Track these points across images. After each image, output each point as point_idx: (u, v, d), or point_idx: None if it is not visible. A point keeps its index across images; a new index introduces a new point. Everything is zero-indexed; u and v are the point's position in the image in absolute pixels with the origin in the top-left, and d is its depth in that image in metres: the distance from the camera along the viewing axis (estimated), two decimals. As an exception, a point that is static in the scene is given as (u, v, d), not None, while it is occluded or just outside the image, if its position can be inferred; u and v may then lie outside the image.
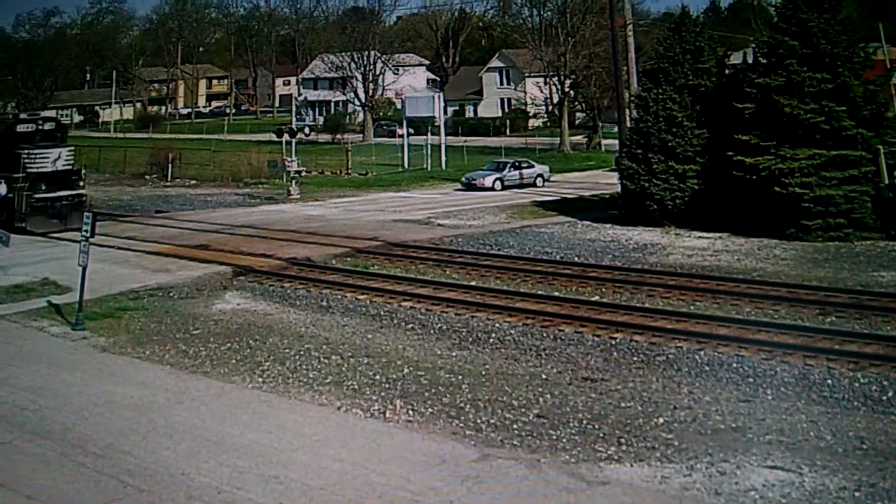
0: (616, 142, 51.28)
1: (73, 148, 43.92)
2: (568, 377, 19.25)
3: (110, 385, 18.82)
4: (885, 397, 17.38)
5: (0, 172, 39.22)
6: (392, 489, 13.56)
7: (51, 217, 39.09)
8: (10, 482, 13.97)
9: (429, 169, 72.06)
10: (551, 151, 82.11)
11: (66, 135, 45.99)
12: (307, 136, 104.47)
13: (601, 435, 15.74)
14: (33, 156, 40.18)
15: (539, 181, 59.61)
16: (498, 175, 58.87)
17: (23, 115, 47.97)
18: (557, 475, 14.06)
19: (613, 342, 21.34)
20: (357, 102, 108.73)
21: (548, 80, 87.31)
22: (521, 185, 58.37)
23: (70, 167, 41.58)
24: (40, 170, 39.86)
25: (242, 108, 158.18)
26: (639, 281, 27.81)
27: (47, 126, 42.59)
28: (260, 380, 19.18)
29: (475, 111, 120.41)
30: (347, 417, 16.92)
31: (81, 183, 41.46)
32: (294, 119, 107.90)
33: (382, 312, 25.04)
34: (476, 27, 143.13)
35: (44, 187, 39.28)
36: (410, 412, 17.04)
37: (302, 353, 21.08)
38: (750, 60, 39.85)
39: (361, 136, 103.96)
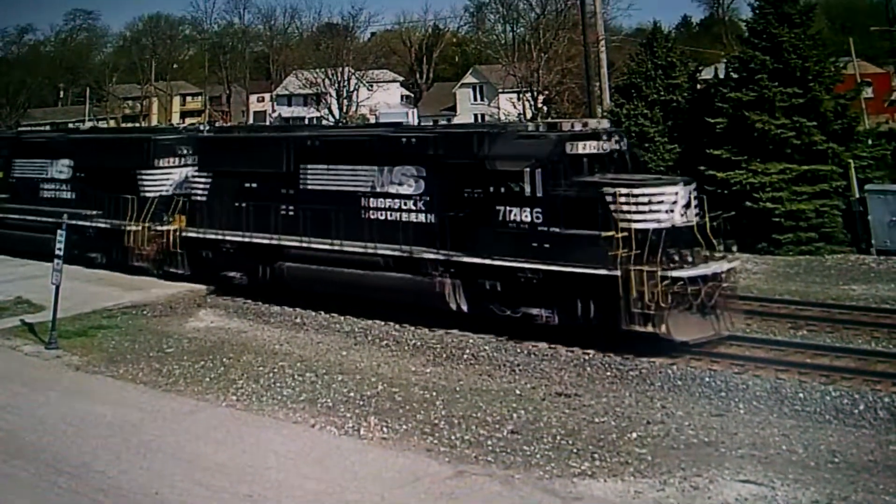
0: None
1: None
2: (542, 393, 19.31)
3: (84, 404, 18.75)
4: (856, 410, 17.52)
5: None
6: (366, 507, 13.58)
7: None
8: (-19, 503, 13.91)
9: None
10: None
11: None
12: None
13: (575, 450, 15.79)
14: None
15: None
16: None
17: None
18: (531, 491, 14.11)
19: (587, 357, 21.40)
20: (331, 119, 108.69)
21: (521, 95, 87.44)
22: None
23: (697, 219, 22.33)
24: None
25: (216, 124, 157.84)
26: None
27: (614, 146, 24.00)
28: (234, 398, 19.15)
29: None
30: (322, 435, 16.92)
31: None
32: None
33: (357, 329, 25.07)
34: (450, 43, 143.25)
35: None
36: (385, 429, 17.05)
37: (276, 370, 21.06)
38: (721, 75, 40.08)
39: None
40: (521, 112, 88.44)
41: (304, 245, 27.14)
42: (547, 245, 22.18)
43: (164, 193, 32.51)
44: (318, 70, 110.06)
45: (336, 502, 13.78)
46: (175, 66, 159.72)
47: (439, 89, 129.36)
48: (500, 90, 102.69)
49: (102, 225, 33.64)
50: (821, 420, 17.30)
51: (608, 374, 20.47)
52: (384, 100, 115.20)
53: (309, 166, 27.69)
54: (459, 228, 23.92)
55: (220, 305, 28.54)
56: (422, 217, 24.90)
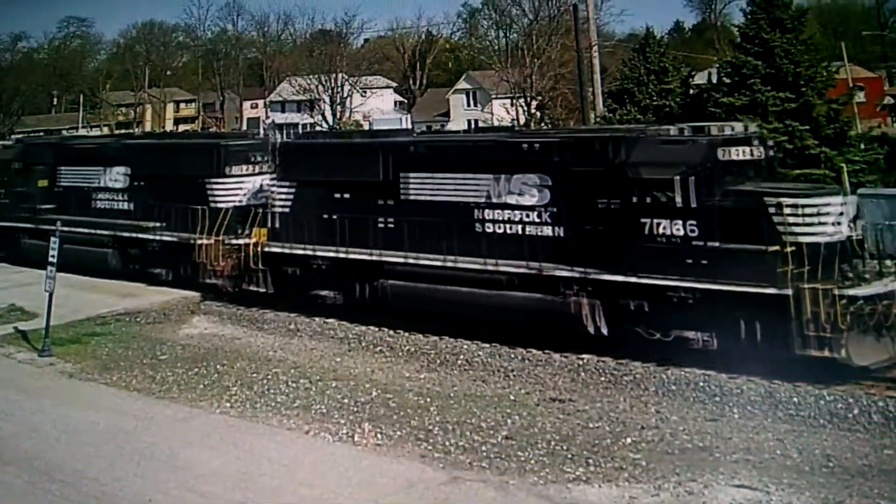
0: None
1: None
2: (536, 398, 19.31)
3: (77, 411, 18.70)
4: (850, 415, 17.52)
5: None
6: (361, 513, 13.56)
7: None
8: (-26, 511, 13.87)
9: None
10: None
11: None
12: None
13: (569, 456, 15.78)
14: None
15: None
16: None
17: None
18: (526, 497, 14.09)
19: (581, 362, 21.39)
20: (325, 125, 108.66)
21: (514, 101, 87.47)
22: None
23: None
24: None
25: (210, 131, 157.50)
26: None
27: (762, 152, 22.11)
28: (228, 405, 19.11)
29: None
30: (316, 441, 16.88)
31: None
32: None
33: (350, 335, 25.03)
34: (443, 49, 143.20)
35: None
36: (379, 435, 17.03)
37: (270, 377, 21.03)
38: (714, 80, 40.23)
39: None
40: (515, 118, 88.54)
41: (411, 261, 24.68)
42: (704, 261, 20.09)
43: (237, 204, 29.91)
44: (311, 76, 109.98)
45: (330, 509, 13.76)
46: (168, 72, 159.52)
47: (433, 95, 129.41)
48: (494, 96, 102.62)
49: (168, 238, 31.00)
50: (815, 424, 17.32)
51: (602, 379, 20.47)
52: (377, 106, 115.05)
53: (411, 175, 25.26)
54: (596, 243, 21.55)
55: (214, 312, 28.47)
56: (549, 230, 22.65)
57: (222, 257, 28.85)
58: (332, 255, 26.50)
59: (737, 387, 19.11)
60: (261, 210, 28.55)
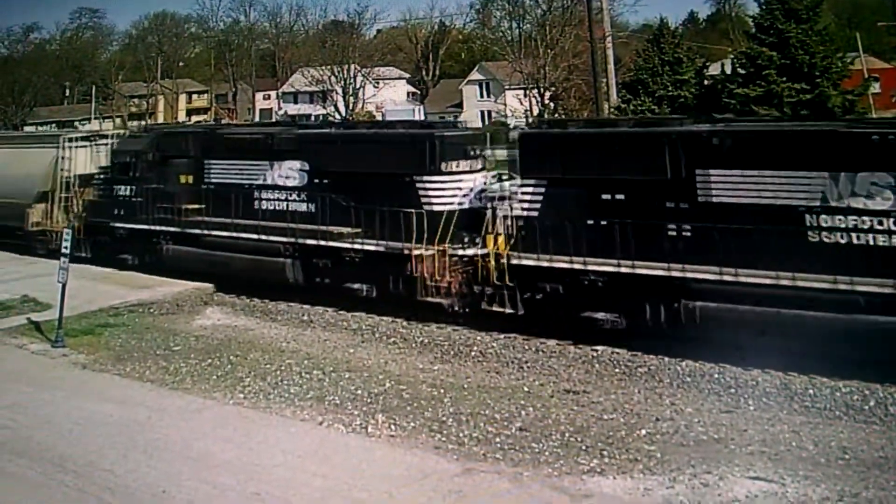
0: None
1: None
2: (550, 390, 19.23)
3: (90, 402, 18.69)
4: (866, 406, 17.44)
5: None
6: (374, 505, 13.52)
7: None
8: (-12, 502, 13.87)
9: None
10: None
11: None
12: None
13: (584, 447, 15.71)
14: None
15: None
16: None
17: None
18: (540, 488, 14.03)
19: (595, 354, 21.33)
20: (337, 116, 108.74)
21: (528, 92, 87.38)
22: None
23: None
24: None
25: (223, 122, 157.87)
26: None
27: None
28: (241, 395, 19.08)
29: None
30: (329, 433, 16.84)
31: None
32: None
33: (364, 326, 25.00)
34: (456, 40, 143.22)
35: None
36: (393, 427, 16.97)
37: (283, 368, 20.99)
38: (728, 71, 40.11)
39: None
40: (528, 109, 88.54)
41: (729, 279, 19.98)
42: None
43: (457, 207, 25.22)
44: (324, 67, 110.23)
45: (344, 500, 13.71)
46: (181, 64, 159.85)
47: (445, 86, 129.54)
48: (507, 87, 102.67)
49: (371, 248, 25.93)
50: (831, 416, 17.21)
51: (616, 370, 20.40)
52: (390, 97, 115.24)
53: (711, 172, 20.61)
54: None
55: (227, 303, 28.47)
56: None
57: (448, 271, 24.38)
58: (611, 269, 21.86)
59: (752, 378, 19.06)
60: (488, 213, 24.26)
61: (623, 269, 21.45)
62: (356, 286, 26.36)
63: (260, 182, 28.99)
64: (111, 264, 32.83)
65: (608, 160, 22.17)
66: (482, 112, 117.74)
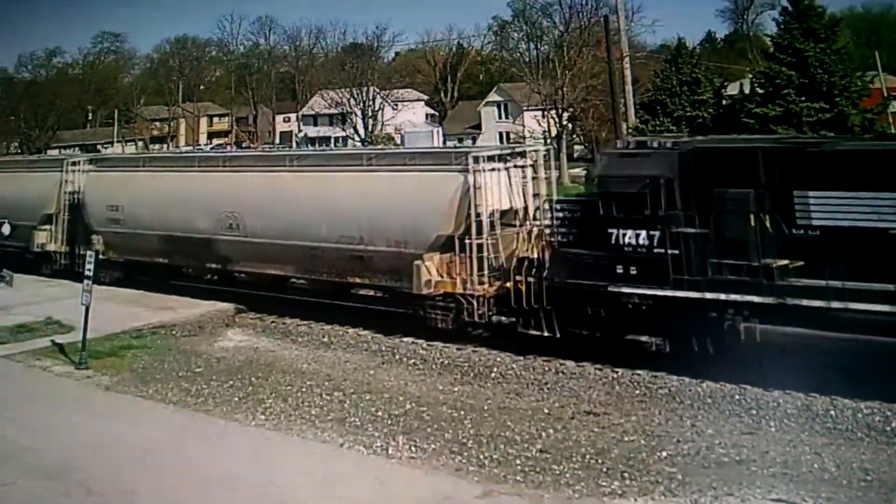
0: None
1: None
2: (570, 411, 19.24)
3: (114, 424, 18.79)
4: (888, 428, 17.36)
5: None
6: (396, 526, 13.57)
7: None
8: (13, 524, 13.97)
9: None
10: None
11: None
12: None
13: (605, 469, 15.71)
14: None
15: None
16: None
17: None
18: (561, 510, 14.05)
19: (615, 375, 21.33)
20: (357, 138, 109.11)
21: (546, 113, 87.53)
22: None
23: None
24: None
25: (243, 145, 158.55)
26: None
27: None
28: (263, 417, 19.17)
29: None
30: (350, 454, 16.90)
31: None
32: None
33: (384, 348, 25.06)
34: (474, 62, 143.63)
35: None
36: (413, 448, 17.02)
37: (304, 389, 21.07)
38: (747, 91, 40.11)
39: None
40: (546, 129, 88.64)
41: None
42: None
43: None
44: (343, 90, 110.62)
45: (365, 522, 13.78)
46: (202, 87, 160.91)
47: (464, 107, 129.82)
48: (525, 108, 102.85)
49: None
50: (853, 438, 17.15)
51: (637, 392, 20.39)
52: (409, 118, 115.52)
53: None
54: None
55: (248, 325, 28.60)
56: None
57: None
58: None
59: (773, 399, 19.00)
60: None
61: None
62: None
63: None
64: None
65: None
66: (500, 133, 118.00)
